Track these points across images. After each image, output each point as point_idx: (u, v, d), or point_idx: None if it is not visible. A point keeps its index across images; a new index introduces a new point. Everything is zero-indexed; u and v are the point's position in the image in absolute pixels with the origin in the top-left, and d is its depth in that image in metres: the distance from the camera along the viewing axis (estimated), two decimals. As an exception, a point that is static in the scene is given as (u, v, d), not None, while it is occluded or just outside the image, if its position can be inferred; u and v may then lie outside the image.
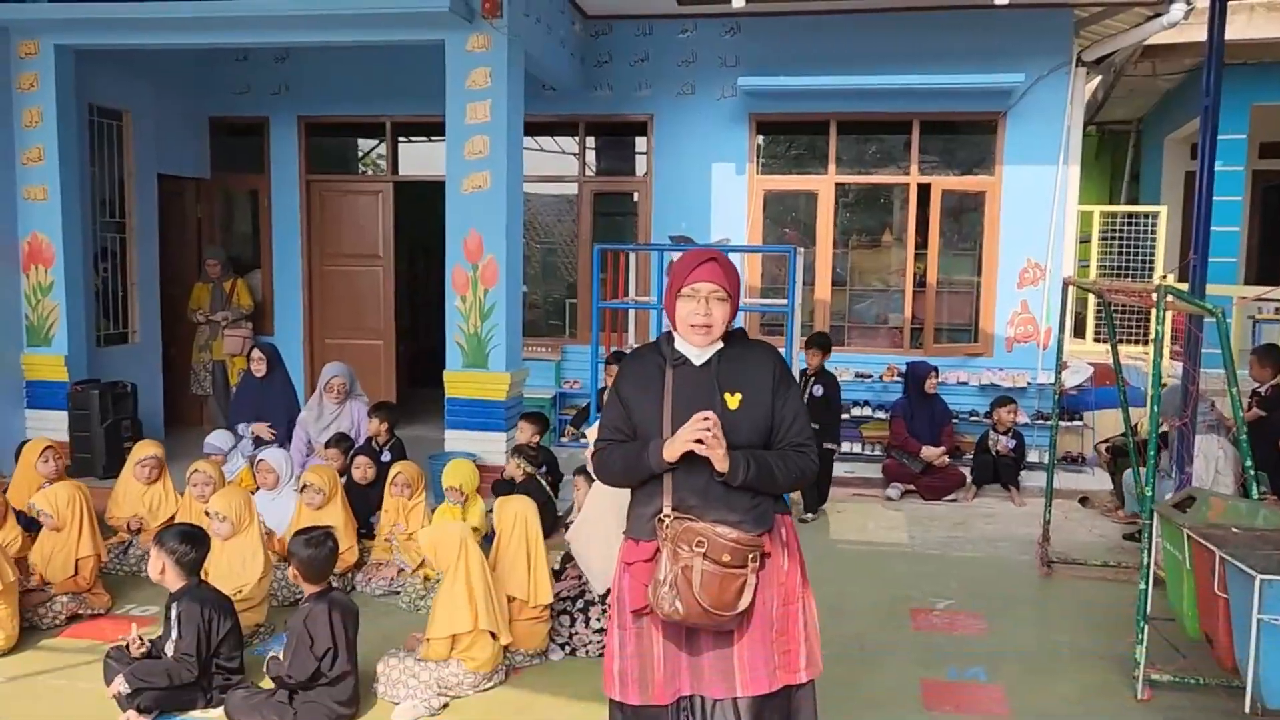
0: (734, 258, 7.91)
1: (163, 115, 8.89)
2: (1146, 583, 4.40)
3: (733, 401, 2.84)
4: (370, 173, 10.08)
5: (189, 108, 9.38)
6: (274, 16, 6.97)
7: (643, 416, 2.89)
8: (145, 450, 6.09)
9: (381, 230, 9.55)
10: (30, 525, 5.39)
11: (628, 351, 7.65)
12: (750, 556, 2.75)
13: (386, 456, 6.70)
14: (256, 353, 7.37)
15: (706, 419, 2.69)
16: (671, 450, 2.74)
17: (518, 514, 4.68)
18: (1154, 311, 4.31)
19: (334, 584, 4.37)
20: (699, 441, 2.69)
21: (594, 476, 3.10)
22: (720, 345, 2.92)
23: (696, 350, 2.90)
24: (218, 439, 7.14)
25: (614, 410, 2.98)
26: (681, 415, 2.80)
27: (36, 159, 7.43)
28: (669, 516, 2.79)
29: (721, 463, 2.73)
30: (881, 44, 8.58)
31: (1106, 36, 8.53)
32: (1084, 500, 7.72)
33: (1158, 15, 7.97)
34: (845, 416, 8.60)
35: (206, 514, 4.94)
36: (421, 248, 11.28)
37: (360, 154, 10.30)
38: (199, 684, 4.04)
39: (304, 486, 5.60)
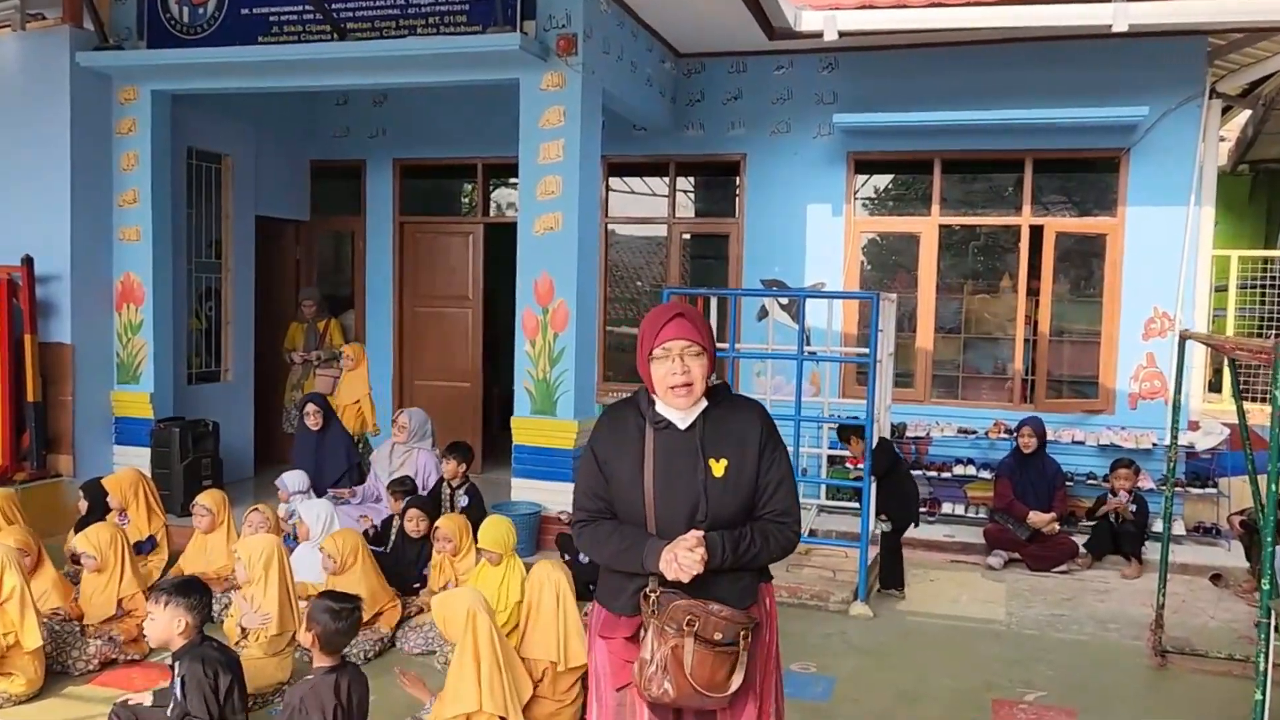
0: (821, 304, 7.59)
1: (263, 159, 9.05)
2: (1264, 691, 3.74)
3: (718, 468, 2.61)
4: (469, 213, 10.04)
5: (291, 151, 9.54)
6: (358, 59, 6.99)
7: (620, 483, 2.66)
8: (200, 500, 5.98)
9: (471, 272, 9.45)
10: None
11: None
12: (742, 634, 2.55)
13: (463, 501, 6.54)
14: (311, 406, 7.31)
15: (694, 550, 2.53)
16: (665, 567, 2.54)
17: (547, 577, 4.38)
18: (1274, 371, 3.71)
19: (346, 657, 4.05)
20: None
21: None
22: (704, 405, 2.66)
23: (680, 414, 2.65)
24: (291, 480, 7.08)
25: (590, 475, 2.72)
26: (664, 484, 2.61)
27: (131, 201, 7.62)
28: (655, 592, 2.57)
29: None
30: (990, 78, 8.01)
31: (1244, 66, 7.76)
32: (1216, 578, 6.89)
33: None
34: (946, 475, 8.01)
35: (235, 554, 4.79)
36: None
37: (465, 197, 10.26)
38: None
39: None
